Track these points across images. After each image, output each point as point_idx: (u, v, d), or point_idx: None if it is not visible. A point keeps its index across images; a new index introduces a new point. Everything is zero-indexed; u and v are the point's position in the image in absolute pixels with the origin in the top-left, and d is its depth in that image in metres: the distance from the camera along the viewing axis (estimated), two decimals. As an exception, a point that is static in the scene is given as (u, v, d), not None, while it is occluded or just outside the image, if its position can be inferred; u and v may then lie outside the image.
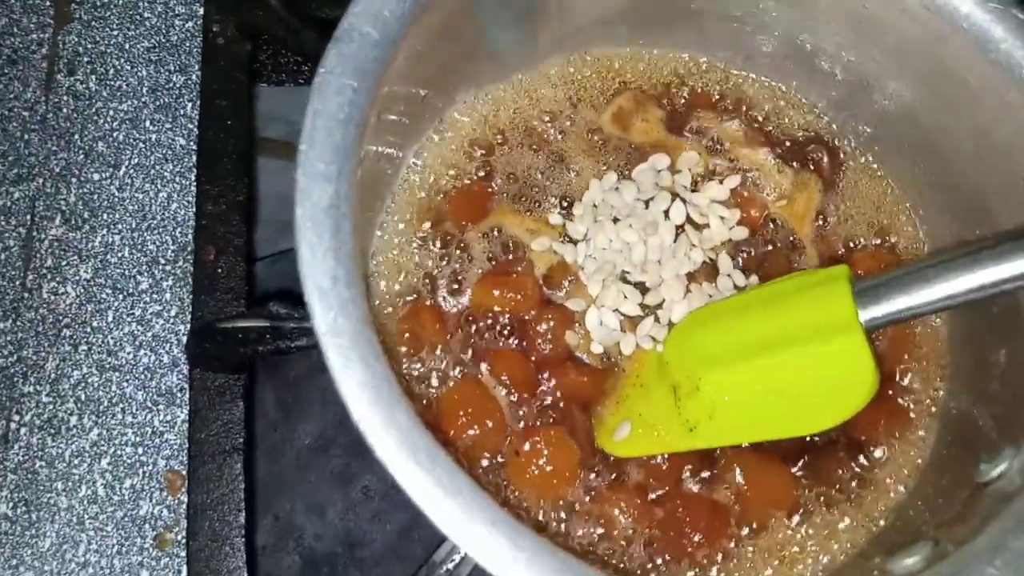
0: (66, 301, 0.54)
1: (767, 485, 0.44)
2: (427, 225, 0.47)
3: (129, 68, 0.60)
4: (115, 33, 0.61)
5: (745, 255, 0.49)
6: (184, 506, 0.51)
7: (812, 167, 0.51)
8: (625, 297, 0.46)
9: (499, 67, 0.49)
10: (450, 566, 0.49)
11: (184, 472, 0.51)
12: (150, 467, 0.52)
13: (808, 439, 0.45)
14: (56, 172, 0.57)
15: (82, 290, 0.55)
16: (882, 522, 0.44)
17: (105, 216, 0.56)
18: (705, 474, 0.44)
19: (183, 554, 0.50)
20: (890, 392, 0.47)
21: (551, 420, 0.44)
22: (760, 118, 0.52)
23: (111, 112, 0.59)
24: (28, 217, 0.56)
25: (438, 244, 0.46)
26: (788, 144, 0.52)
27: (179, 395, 0.53)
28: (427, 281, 0.46)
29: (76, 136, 0.58)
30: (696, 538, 0.42)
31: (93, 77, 0.60)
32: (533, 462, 0.42)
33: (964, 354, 0.48)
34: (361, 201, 0.35)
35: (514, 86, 0.51)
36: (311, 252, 0.32)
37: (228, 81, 0.59)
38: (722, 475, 0.44)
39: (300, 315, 0.50)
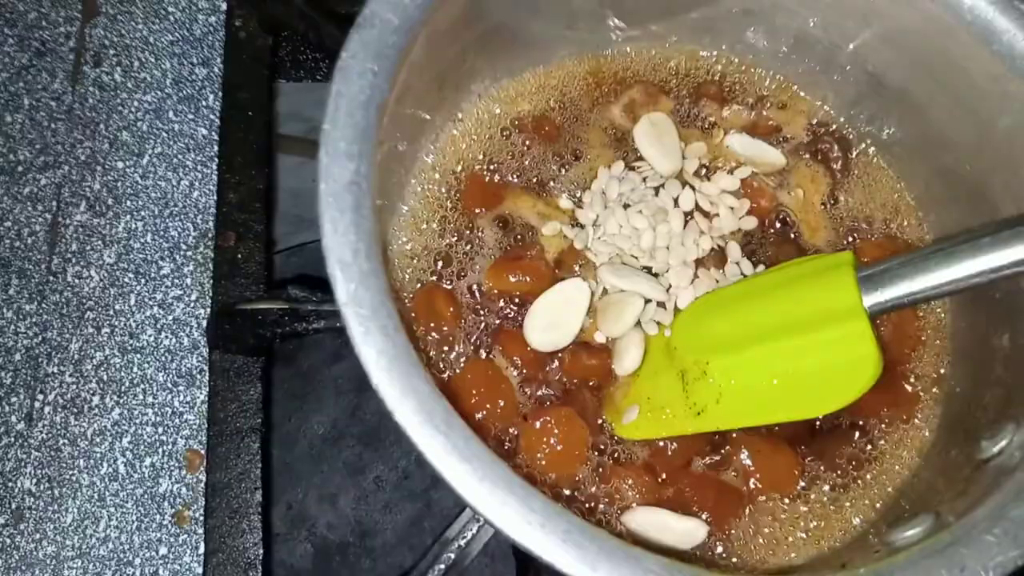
0: (90, 285, 0.56)
1: (774, 467, 0.45)
2: (441, 211, 0.48)
3: (153, 60, 0.62)
4: (140, 27, 0.63)
5: (753, 244, 0.50)
6: (202, 484, 0.52)
7: (820, 158, 0.53)
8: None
9: (513, 59, 0.50)
10: (462, 543, 0.50)
11: (203, 451, 0.52)
12: (169, 446, 0.53)
13: (814, 422, 0.46)
14: (82, 160, 0.58)
15: (106, 274, 0.56)
16: (885, 502, 0.45)
17: (129, 203, 0.58)
18: (713, 456, 0.45)
19: (201, 531, 0.51)
20: (893, 376, 0.48)
21: (561, 400, 0.45)
22: (769, 110, 0.53)
23: (135, 103, 0.60)
24: (54, 203, 0.57)
25: (452, 229, 0.48)
26: (796, 136, 0.53)
27: (198, 376, 0.54)
28: (441, 265, 0.47)
29: (101, 126, 0.60)
30: (704, 516, 0.43)
31: (118, 69, 0.61)
32: (543, 441, 0.43)
33: (966, 338, 0.49)
34: (380, 185, 0.36)
35: (527, 77, 0.52)
36: (333, 226, 0.33)
37: (249, 74, 0.61)
38: (729, 457, 0.45)
39: (318, 298, 0.51)
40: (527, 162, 0.50)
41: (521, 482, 0.31)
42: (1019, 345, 0.44)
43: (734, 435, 0.45)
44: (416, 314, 0.46)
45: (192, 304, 0.56)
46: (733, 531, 0.44)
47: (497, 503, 0.30)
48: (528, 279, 0.46)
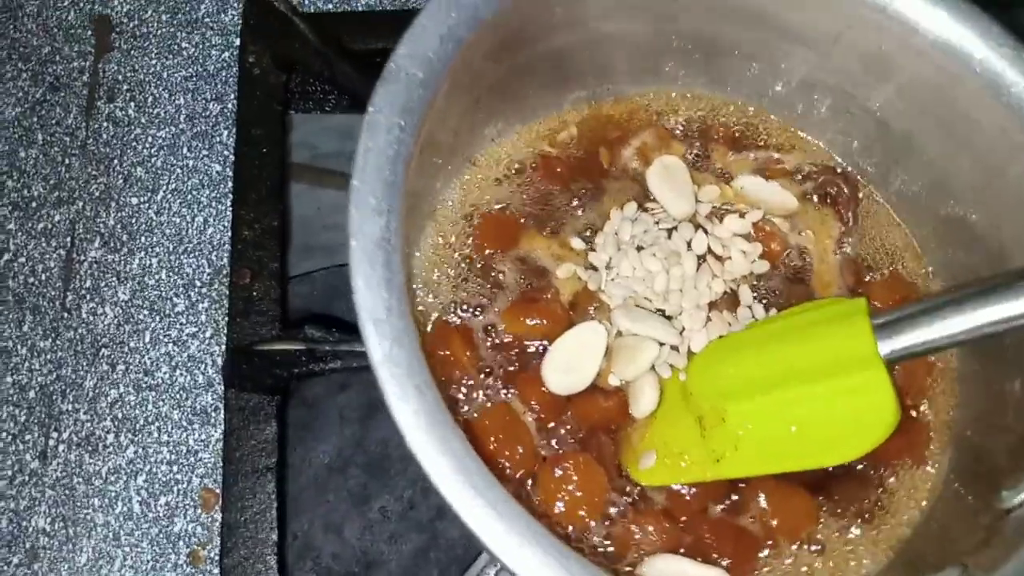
0: (104, 321, 0.56)
1: (791, 511, 0.46)
2: (456, 254, 0.48)
3: (167, 96, 0.62)
4: (154, 62, 0.63)
5: (765, 287, 0.51)
6: (218, 524, 0.52)
7: (829, 202, 0.53)
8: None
9: (525, 105, 0.51)
10: (479, 585, 0.51)
11: (218, 490, 0.53)
12: (185, 485, 0.53)
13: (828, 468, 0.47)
14: (96, 196, 0.59)
15: (120, 311, 0.56)
16: (901, 547, 0.45)
17: (143, 239, 0.58)
18: (729, 500, 0.45)
19: (216, 571, 0.51)
20: (904, 418, 0.48)
21: (578, 446, 0.45)
22: (778, 155, 0.54)
23: (149, 139, 0.61)
24: (68, 239, 0.57)
25: (467, 272, 0.48)
26: (806, 181, 0.54)
27: (213, 414, 0.54)
28: (456, 307, 0.47)
29: (115, 161, 0.60)
30: (724, 564, 0.43)
31: (132, 104, 0.62)
32: (562, 488, 0.43)
33: (975, 383, 0.49)
34: (406, 237, 0.37)
35: (539, 122, 0.52)
36: (365, 283, 0.34)
37: (263, 110, 0.61)
38: (746, 501, 0.45)
39: (335, 338, 0.51)
40: (540, 204, 0.51)
41: (559, 544, 0.32)
42: None
43: (750, 479, 0.45)
44: (431, 356, 0.46)
45: (207, 341, 0.56)
46: (752, 577, 0.44)
47: (535, 567, 0.31)
48: (544, 322, 0.47)
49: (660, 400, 0.46)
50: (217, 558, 0.51)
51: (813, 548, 0.46)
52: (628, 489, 0.45)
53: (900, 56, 0.47)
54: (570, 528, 0.43)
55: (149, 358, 0.55)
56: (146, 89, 0.62)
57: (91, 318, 0.56)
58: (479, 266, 0.48)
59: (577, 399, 0.46)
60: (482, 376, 0.46)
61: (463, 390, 0.46)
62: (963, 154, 0.47)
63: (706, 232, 0.50)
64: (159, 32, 0.64)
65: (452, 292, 0.48)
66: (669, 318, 0.48)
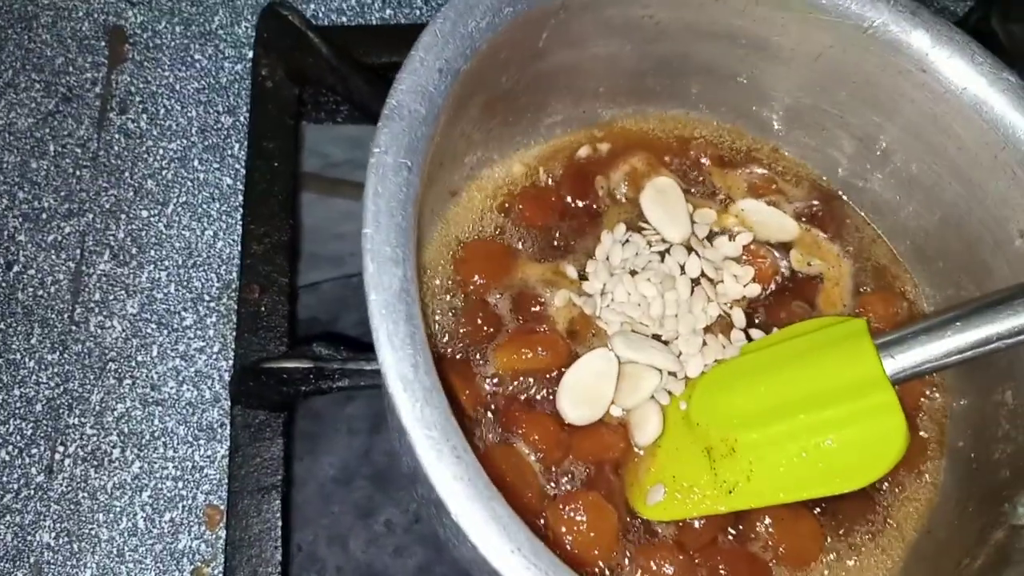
0: (112, 335, 0.56)
1: (797, 535, 0.45)
2: (448, 289, 0.48)
3: (179, 108, 0.62)
4: (166, 74, 0.63)
5: (759, 309, 0.50)
6: (222, 541, 0.51)
7: (817, 223, 0.53)
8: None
9: (511, 133, 0.50)
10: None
11: (223, 507, 0.52)
12: (189, 501, 0.53)
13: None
14: (106, 208, 0.59)
15: (128, 325, 0.56)
16: (910, 563, 0.45)
17: (152, 252, 0.58)
18: (737, 528, 0.45)
19: (220, 589, 0.51)
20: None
21: (585, 485, 0.44)
22: (767, 177, 0.54)
23: (161, 151, 0.60)
24: (78, 252, 0.57)
25: (458, 308, 0.47)
26: (794, 201, 0.54)
27: (220, 431, 0.54)
28: (452, 344, 0.47)
29: (126, 173, 0.60)
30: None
31: (144, 116, 0.61)
32: (572, 529, 0.42)
33: (966, 395, 0.49)
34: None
35: (525, 150, 0.52)
36: (390, 341, 0.32)
37: (276, 124, 0.61)
38: (752, 527, 0.45)
39: (343, 356, 0.51)
40: (528, 233, 0.50)
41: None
42: None
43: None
44: None
45: (214, 356, 0.56)
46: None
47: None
48: (544, 353, 0.46)
49: (663, 431, 0.45)
50: (221, 576, 0.51)
51: (822, 569, 0.45)
52: (638, 525, 0.44)
53: (882, 76, 0.46)
54: (583, 569, 0.42)
55: (156, 372, 0.55)
56: (158, 101, 0.62)
57: (99, 331, 0.56)
58: (471, 300, 0.47)
59: (580, 435, 0.45)
60: (482, 416, 0.45)
61: (463, 432, 0.45)
62: (945, 169, 0.47)
63: (698, 255, 0.50)
64: (172, 44, 0.64)
65: (444, 329, 0.47)
66: (665, 343, 0.47)
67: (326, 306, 0.66)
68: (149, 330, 0.56)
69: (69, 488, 0.52)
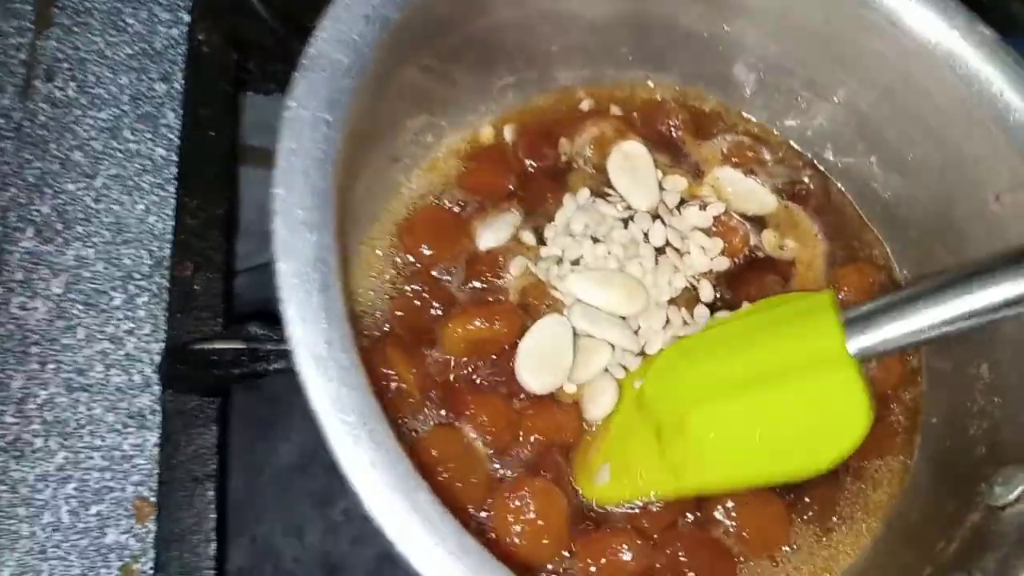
0: (35, 317, 0.52)
1: (762, 518, 0.42)
2: (394, 260, 0.44)
3: (110, 75, 0.58)
4: (96, 39, 0.59)
5: (728, 281, 0.47)
6: (152, 535, 0.48)
7: (789, 194, 0.50)
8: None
9: (463, 99, 0.47)
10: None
11: (153, 499, 0.49)
12: (118, 493, 0.49)
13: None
14: (30, 182, 0.55)
15: (53, 305, 0.52)
16: (880, 545, 0.43)
17: (79, 228, 0.54)
18: (699, 513, 0.42)
19: (150, 586, 0.47)
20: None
21: (533, 470, 0.41)
22: (741, 144, 0.51)
23: (90, 120, 0.57)
24: (-1, 228, 0.53)
25: (405, 281, 0.44)
26: (767, 171, 0.51)
27: (150, 417, 0.50)
28: (397, 320, 0.43)
29: (52, 145, 0.56)
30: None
31: (72, 84, 0.57)
32: (519, 518, 0.39)
33: (938, 368, 0.47)
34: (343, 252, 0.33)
35: (482, 111, 0.49)
36: (300, 314, 0.29)
37: (212, 90, 0.57)
38: (712, 511, 0.42)
39: (279, 336, 0.47)
40: (484, 199, 0.47)
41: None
42: (1000, 374, 0.42)
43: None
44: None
45: (145, 338, 0.52)
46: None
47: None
48: (498, 325, 0.43)
49: (616, 408, 0.42)
50: (152, 572, 0.47)
51: (788, 554, 0.43)
52: (592, 513, 0.41)
53: (851, 32, 0.44)
54: (533, 559, 0.39)
55: (82, 356, 0.51)
56: (87, 68, 0.58)
57: (21, 313, 0.52)
58: (418, 271, 0.44)
59: (531, 415, 0.42)
60: (427, 396, 0.42)
61: (408, 413, 0.42)
62: (918, 131, 0.45)
63: (664, 224, 0.46)
64: (103, 7, 0.60)
65: (389, 304, 0.44)
66: (623, 318, 0.44)
67: (266, 286, 0.63)
68: (75, 311, 0.52)
69: (-13, 481, 0.49)
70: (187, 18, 0.60)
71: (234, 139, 0.56)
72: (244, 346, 0.47)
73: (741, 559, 0.42)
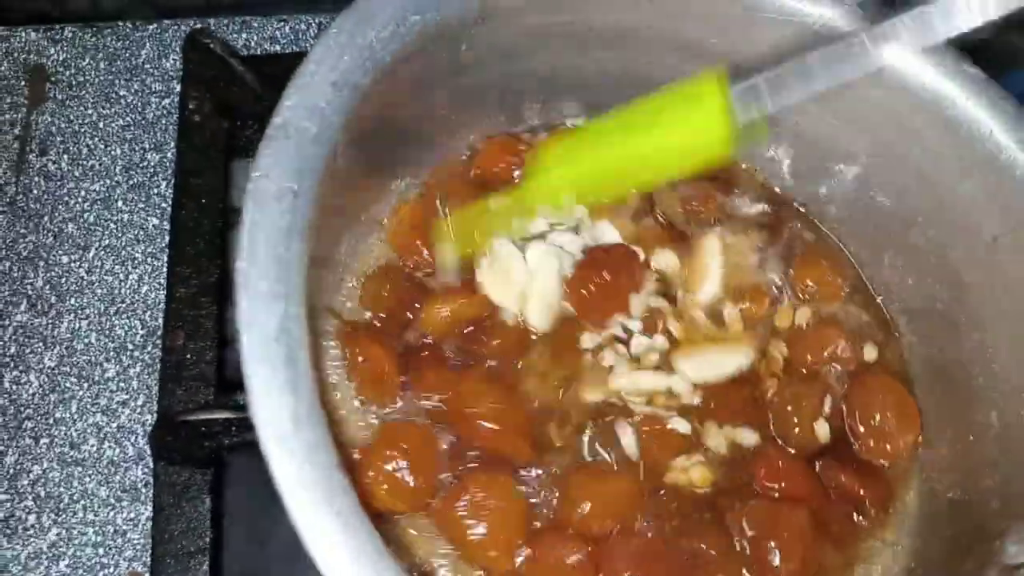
0: (28, 391, 0.52)
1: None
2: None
3: (103, 147, 0.58)
4: (90, 112, 0.59)
5: None
6: (146, 612, 0.47)
7: (768, 231, 0.50)
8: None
9: (433, 148, 0.47)
10: None
11: (147, 574, 0.48)
12: (111, 569, 0.48)
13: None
14: (23, 255, 0.55)
15: (46, 379, 0.52)
16: None
17: (72, 300, 0.54)
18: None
19: (143, 666, 0.46)
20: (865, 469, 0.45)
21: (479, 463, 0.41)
22: (716, 186, 0.50)
23: (83, 192, 0.57)
24: (-7, 303, 0.53)
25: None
26: (745, 213, 0.50)
27: (144, 491, 0.50)
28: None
29: (46, 218, 0.56)
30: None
31: (66, 157, 0.58)
32: (475, 517, 0.39)
33: (940, 420, 0.46)
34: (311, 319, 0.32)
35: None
36: (265, 389, 0.29)
37: (204, 159, 0.57)
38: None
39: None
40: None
41: None
42: (1014, 423, 0.41)
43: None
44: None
45: (138, 410, 0.52)
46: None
47: None
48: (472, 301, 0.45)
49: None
50: (146, 651, 0.46)
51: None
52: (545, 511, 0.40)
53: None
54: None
55: (76, 430, 0.51)
56: (81, 140, 0.59)
57: (14, 388, 0.52)
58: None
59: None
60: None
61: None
62: (908, 175, 0.44)
63: None
64: (96, 80, 0.61)
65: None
66: None
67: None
68: (68, 384, 0.52)
69: (-21, 561, 0.48)
70: (179, 88, 0.60)
71: (225, 206, 0.56)
72: (234, 415, 0.46)
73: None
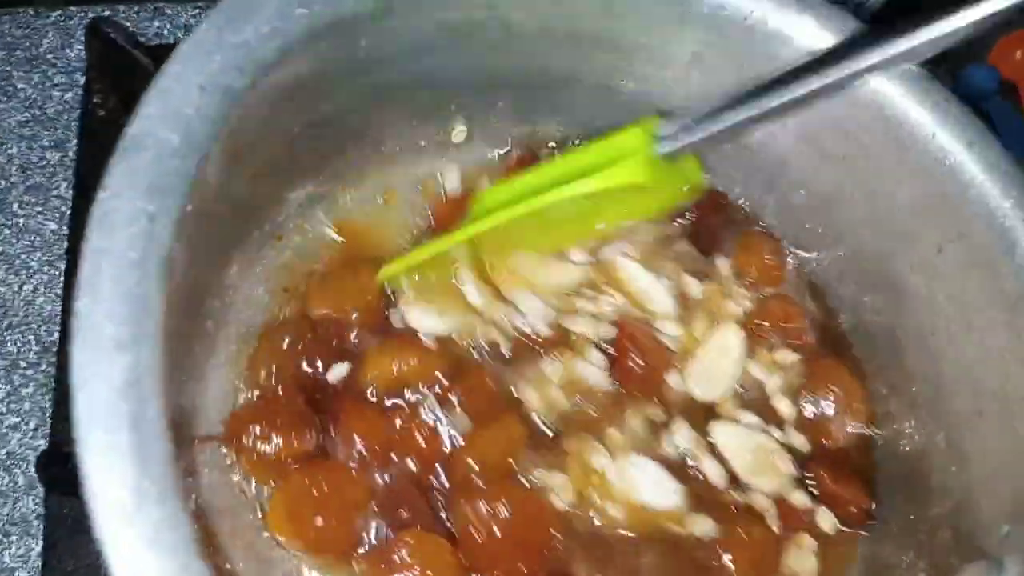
0: (-91, 414, 0.47)
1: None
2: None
3: (-3, 145, 0.54)
4: (-16, 106, 0.55)
5: None
6: (35, 658, 0.43)
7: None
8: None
9: (353, 164, 0.43)
10: None
11: (37, 617, 0.44)
12: (-2, 611, 0.44)
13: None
14: (-94, 265, 0.50)
15: (-71, 401, 0.48)
16: None
17: (-40, 314, 0.50)
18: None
19: None
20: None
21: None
22: None
23: (-27, 195, 0.52)
24: None
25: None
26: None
27: (35, 523, 0.46)
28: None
29: (-68, 223, 0.52)
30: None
31: (-44, 156, 0.53)
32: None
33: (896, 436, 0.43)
34: (172, 366, 0.28)
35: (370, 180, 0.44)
36: (102, 458, 0.25)
37: (108, 157, 0.53)
38: None
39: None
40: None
41: None
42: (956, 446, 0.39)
43: None
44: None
45: (30, 435, 0.47)
46: None
47: None
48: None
49: None
50: None
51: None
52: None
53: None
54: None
55: (-39, 457, 0.47)
56: (-27, 138, 0.54)
57: None
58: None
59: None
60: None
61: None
62: (847, 178, 0.41)
63: None
64: (-7, 71, 0.56)
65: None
66: None
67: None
68: (-46, 406, 0.48)
69: None
70: (82, 80, 0.56)
71: (131, 209, 0.52)
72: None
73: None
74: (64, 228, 0.52)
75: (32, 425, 0.48)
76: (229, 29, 0.30)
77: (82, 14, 0.58)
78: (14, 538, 0.46)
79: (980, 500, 0.37)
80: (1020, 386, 0.36)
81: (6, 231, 0.52)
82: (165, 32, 0.59)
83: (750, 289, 0.45)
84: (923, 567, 0.39)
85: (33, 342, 0.49)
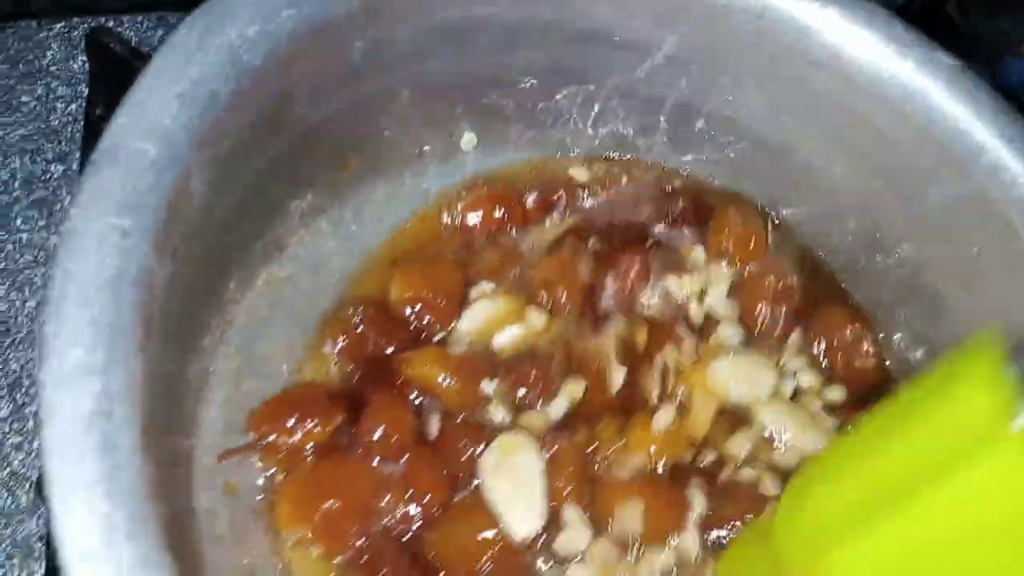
0: (-90, 435, 0.46)
1: None
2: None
3: (0, 159, 0.53)
4: (-13, 121, 0.54)
5: None
6: None
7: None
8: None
9: (352, 177, 0.41)
10: None
11: (40, 644, 0.43)
12: (0, 640, 0.43)
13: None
14: (-93, 284, 0.50)
15: (-70, 422, 0.47)
16: None
17: (-38, 332, 0.49)
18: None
19: None
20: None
21: None
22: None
23: (-26, 210, 0.52)
24: None
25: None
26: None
27: (38, 546, 0.45)
28: None
29: (-67, 241, 0.51)
30: None
31: (-42, 174, 0.53)
32: None
33: None
34: (152, 396, 0.26)
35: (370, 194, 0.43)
36: (70, 492, 0.23)
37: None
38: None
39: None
40: None
41: None
42: None
43: None
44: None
45: (34, 454, 0.46)
46: None
47: None
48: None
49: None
50: None
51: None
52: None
53: (786, 66, 0.38)
54: None
55: (-38, 478, 0.46)
56: (-26, 153, 0.53)
57: None
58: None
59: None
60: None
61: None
62: (876, 180, 0.39)
63: None
64: (-5, 85, 0.55)
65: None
66: None
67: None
68: (-44, 426, 0.47)
69: None
70: (86, 91, 0.55)
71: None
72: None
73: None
74: (67, 243, 0.51)
75: (36, 445, 0.47)
76: (210, 32, 0.29)
77: (85, 25, 0.57)
78: (16, 561, 0.45)
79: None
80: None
81: (9, 247, 0.51)
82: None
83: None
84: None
85: (36, 360, 0.48)
